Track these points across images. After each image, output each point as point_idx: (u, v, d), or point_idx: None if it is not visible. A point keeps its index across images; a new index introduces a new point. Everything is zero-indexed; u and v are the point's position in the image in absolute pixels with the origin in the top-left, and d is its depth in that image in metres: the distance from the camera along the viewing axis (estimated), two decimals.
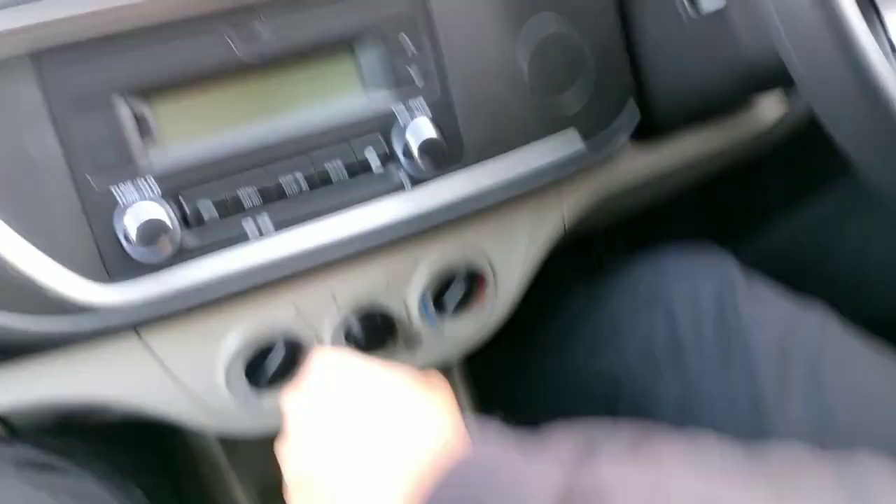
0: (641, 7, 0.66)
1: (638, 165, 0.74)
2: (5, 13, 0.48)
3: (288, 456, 0.47)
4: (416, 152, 0.57)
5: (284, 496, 0.49)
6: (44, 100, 0.50)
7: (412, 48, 0.58)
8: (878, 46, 0.47)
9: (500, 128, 0.62)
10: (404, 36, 0.58)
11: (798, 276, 0.77)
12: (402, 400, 0.46)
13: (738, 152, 0.84)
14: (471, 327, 0.69)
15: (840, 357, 0.66)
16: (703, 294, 0.72)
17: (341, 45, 0.57)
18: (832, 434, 0.62)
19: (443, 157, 0.59)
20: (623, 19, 0.66)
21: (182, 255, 0.54)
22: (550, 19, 0.62)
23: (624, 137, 0.67)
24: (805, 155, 0.96)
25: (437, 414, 0.45)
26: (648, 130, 0.71)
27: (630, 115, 0.67)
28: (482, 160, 0.61)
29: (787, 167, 1.10)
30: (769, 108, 0.80)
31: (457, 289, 0.67)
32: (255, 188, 0.55)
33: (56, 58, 0.50)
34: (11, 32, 0.48)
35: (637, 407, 0.75)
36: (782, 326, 0.69)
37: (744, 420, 0.66)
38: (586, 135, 0.65)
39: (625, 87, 0.67)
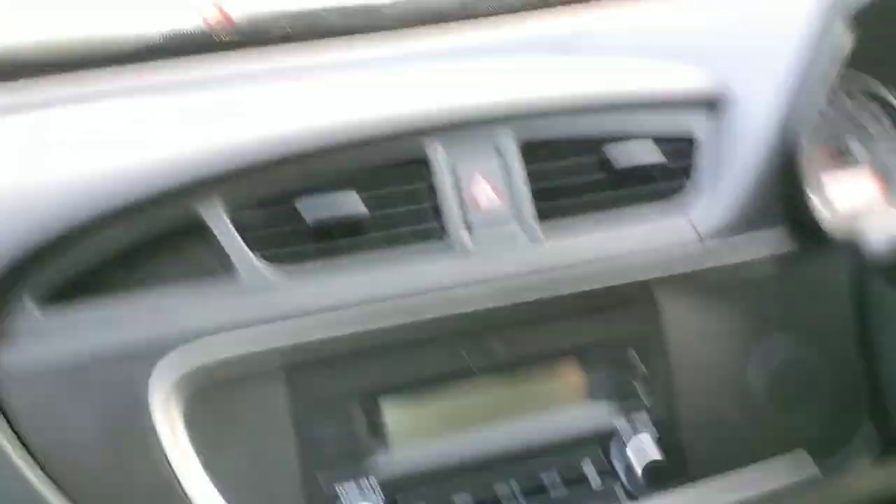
0: (881, 329, 0.63)
1: (871, 481, 0.68)
2: (265, 330, 0.51)
3: None
4: (638, 471, 0.55)
5: None
6: (290, 405, 0.52)
7: (641, 364, 0.57)
8: None
9: (726, 446, 0.59)
10: (633, 352, 0.57)
11: None
12: None
13: None
14: None
15: None
16: None
17: (569, 358, 0.57)
18: None
19: (665, 476, 0.57)
20: (862, 338, 0.63)
21: None
22: (785, 340, 0.60)
23: (860, 461, 0.62)
24: None
25: None
26: (886, 449, 0.65)
27: (867, 439, 0.63)
28: (704, 478, 0.58)
29: None
30: None
31: None
32: (471, 495, 0.55)
33: (305, 369, 0.53)
34: (271, 351, 0.52)
35: None
36: None
37: None
38: (816, 456, 0.61)
39: (860, 408, 0.63)
